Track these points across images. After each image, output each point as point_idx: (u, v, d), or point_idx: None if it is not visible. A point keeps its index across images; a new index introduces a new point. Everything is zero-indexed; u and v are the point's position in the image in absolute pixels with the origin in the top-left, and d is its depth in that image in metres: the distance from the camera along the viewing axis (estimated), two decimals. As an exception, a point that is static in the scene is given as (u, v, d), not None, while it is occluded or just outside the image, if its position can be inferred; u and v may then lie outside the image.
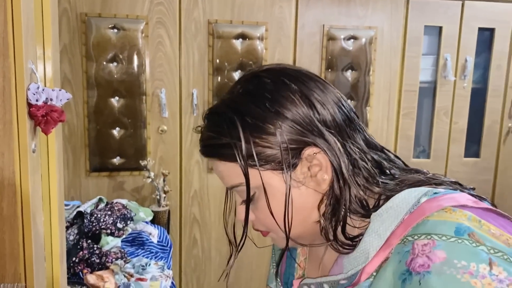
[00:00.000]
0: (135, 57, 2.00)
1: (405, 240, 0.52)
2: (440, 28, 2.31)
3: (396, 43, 2.28)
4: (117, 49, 1.97)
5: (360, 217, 0.58)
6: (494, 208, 0.54)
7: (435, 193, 0.54)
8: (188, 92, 2.08)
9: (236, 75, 2.10)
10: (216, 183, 2.22)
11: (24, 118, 0.78)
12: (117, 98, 2.01)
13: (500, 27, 2.35)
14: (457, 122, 2.40)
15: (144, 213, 1.80)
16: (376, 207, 0.57)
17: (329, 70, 2.22)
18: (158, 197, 1.99)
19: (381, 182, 0.58)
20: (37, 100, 0.81)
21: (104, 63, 1.97)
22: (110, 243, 1.62)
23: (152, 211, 1.94)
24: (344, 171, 0.55)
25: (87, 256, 1.51)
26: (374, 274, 0.54)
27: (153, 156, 2.07)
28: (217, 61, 2.07)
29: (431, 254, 0.49)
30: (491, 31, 2.36)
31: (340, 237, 0.58)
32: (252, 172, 0.56)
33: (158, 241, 1.71)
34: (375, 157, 0.60)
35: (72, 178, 2.02)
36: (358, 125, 0.60)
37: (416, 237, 0.51)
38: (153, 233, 1.70)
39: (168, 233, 1.93)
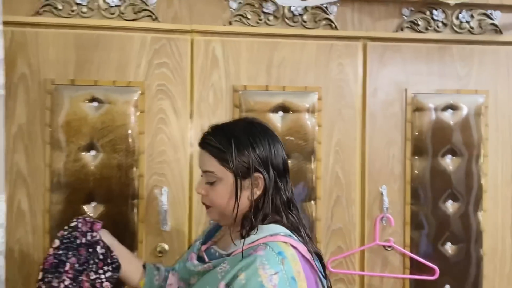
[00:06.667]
0: (124, 143, 1.34)
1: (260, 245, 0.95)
2: None
3: (518, 114, 1.52)
4: (96, 131, 1.33)
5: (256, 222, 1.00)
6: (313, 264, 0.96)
7: (289, 235, 0.97)
8: (202, 192, 1.37)
9: (275, 165, 1.39)
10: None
11: None
12: (94, 204, 1.33)
13: None
14: None
15: None
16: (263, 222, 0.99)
17: (417, 156, 1.46)
18: None
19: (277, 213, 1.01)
20: None
21: (78, 152, 1.32)
22: None
23: None
24: (270, 195, 0.99)
25: None
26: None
27: (146, 293, 1.34)
28: (247, 145, 1.38)
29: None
30: None
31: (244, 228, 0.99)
32: (224, 170, 0.97)
33: None
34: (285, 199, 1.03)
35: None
36: (287, 180, 1.04)
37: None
38: None
39: None
